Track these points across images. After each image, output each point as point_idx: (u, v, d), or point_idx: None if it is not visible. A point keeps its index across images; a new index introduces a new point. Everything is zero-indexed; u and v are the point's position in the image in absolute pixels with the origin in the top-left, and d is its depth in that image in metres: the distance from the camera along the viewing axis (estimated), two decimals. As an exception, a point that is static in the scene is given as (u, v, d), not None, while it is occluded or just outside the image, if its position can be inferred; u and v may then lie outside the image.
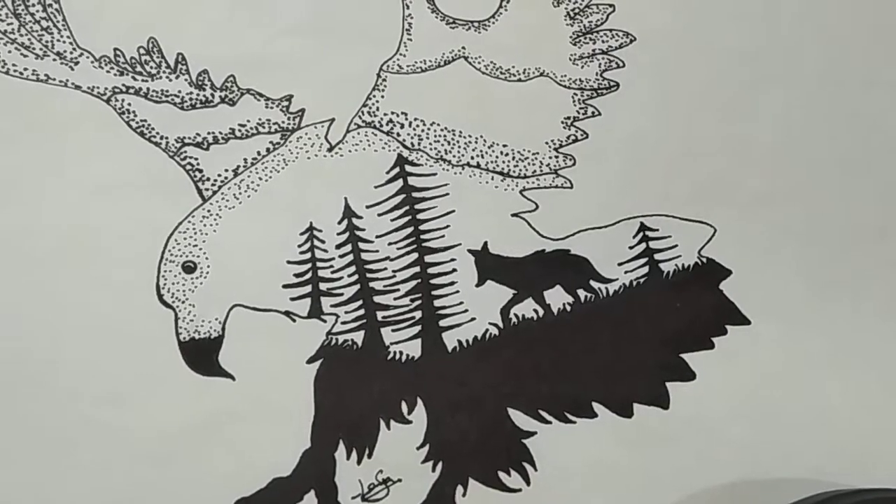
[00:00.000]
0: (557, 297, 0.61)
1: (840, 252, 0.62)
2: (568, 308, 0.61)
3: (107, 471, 0.56)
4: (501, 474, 0.60)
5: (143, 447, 0.56)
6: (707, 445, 0.61)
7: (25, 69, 0.54)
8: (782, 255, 0.62)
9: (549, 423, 0.61)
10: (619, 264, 0.62)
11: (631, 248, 0.62)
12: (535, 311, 0.61)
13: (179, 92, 0.56)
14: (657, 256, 0.62)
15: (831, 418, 0.62)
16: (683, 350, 0.62)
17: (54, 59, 0.54)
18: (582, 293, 0.61)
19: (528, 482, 0.60)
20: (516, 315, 0.61)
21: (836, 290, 0.62)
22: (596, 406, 0.61)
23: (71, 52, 0.55)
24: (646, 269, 0.62)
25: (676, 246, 0.62)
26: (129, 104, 0.55)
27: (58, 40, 0.54)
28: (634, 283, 0.62)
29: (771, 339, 0.62)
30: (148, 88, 0.55)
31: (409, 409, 0.60)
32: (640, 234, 0.62)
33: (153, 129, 0.56)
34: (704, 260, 0.63)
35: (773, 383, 0.62)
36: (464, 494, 0.59)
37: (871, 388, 0.62)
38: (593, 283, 0.62)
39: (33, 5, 0.54)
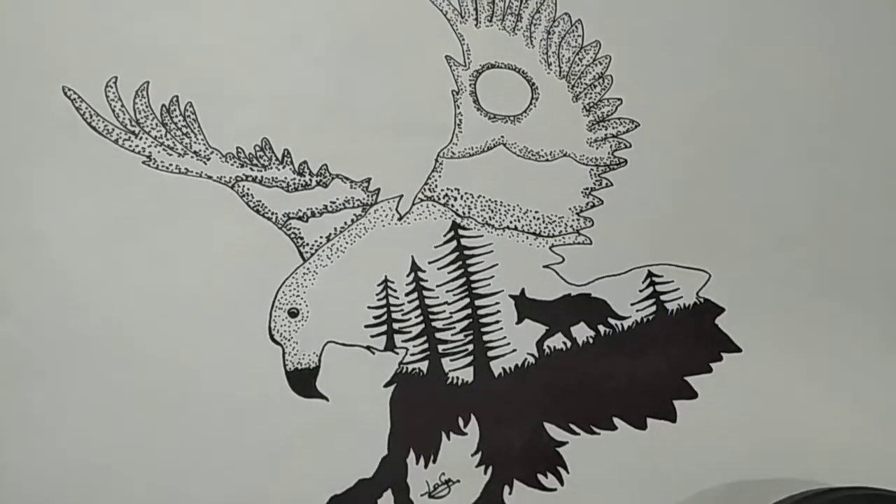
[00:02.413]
0: (582, 332, 0.72)
1: (814, 292, 0.74)
2: (591, 340, 0.72)
3: (231, 471, 0.69)
4: (540, 476, 0.71)
5: (257, 453, 0.69)
6: (708, 452, 0.71)
7: (170, 165, 0.69)
8: (766, 295, 0.74)
9: (578, 434, 0.72)
10: (632, 304, 0.73)
11: (641, 291, 0.73)
12: (564, 343, 0.72)
13: (286, 178, 0.70)
14: (663, 297, 0.73)
15: (809, 428, 0.72)
16: (687, 374, 0.73)
17: (192, 157, 0.69)
18: (602, 328, 0.73)
19: (561, 483, 0.71)
20: (549, 347, 0.72)
21: (810, 323, 0.73)
22: (616, 420, 0.72)
23: (204, 151, 0.69)
24: (653, 308, 0.73)
25: (678, 289, 0.73)
26: (248, 189, 0.70)
27: (194, 142, 0.69)
28: (644, 319, 0.73)
29: (758, 363, 0.73)
30: (262, 176, 0.70)
31: (465, 423, 0.71)
32: (648, 280, 0.73)
33: (266, 207, 0.70)
34: (702, 300, 0.74)
35: (761, 400, 0.72)
36: (510, 493, 0.70)
37: (842, 403, 0.73)
38: (611, 320, 0.73)
39: (176, 116, 0.69)
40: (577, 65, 0.73)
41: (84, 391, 0.68)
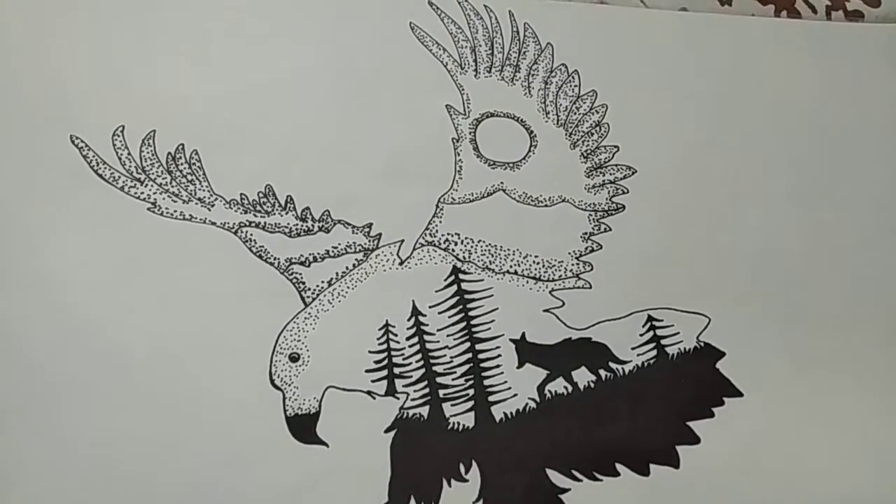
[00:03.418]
0: (583, 376, 0.72)
1: (814, 335, 0.74)
2: (592, 385, 0.72)
3: (230, 520, 0.68)
4: (542, 524, 0.70)
5: (257, 500, 0.68)
6: (711, 498, 0.71)
7: (175, 211, 0.70)
8: (766, 339, 0.74)
9: (580, 480, 0.71)
10: (632, 348, 0.73)
11: (641, 335, 0.73)
12: (566, 387, 0.72)
13: (288, 224, 0.71)
14: (663, 342, 0.73)
15: (813, 473, 0.71)
16: (688, 418, 0.72)
17: (196, 203, 0.70)
18: (603, 372, 0.73)
19: (564, 530, 0.70)
20: (550, 391, 0.72)
21: (811, 366, 0.73)
22: (618, 466, 0.71)
23: (209, 198, 0.71)
24: (654, 353, 0.73)
25: (678, 333, 0.74)
26: (251, 234, 0.71)
27: (199, 189, 0.71)
28: (645, 363, 0.73)
29: (760, 408, 0.72)
30: (265, 222, 0.71)
31: (466, 470, 0.70)
32: (648, 324, 0.73)
33: (269, 252, 0.71)
34: (702, 344, 0.74)
35: (764, 445, 0.72)
36: (512, 541, 0.70)
37: (846, 448, 0.72)
38: (612, 365, 0.73)
39: (182, 164, 0.71)
40: (575, 113, 0.74)
41: (84, 433, 0.67)
